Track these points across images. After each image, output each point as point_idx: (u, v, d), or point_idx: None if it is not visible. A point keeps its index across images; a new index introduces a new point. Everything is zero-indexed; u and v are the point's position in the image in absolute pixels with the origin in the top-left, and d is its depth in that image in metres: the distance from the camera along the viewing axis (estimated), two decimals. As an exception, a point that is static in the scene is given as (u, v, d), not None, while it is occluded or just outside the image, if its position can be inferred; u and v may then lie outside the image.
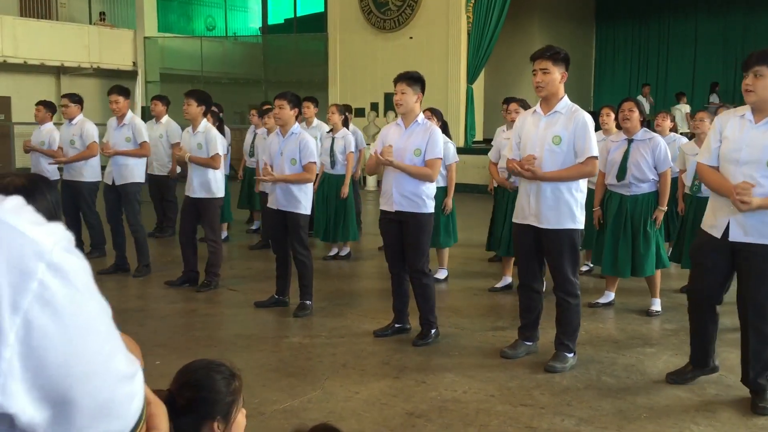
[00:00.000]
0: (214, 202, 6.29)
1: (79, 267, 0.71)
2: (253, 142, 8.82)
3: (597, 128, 5.68)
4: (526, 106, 6.13)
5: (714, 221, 3.77)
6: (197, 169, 6.22)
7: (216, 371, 1.82)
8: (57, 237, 0.70)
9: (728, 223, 3.68)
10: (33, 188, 1.68)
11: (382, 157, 4.72)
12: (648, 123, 5.58)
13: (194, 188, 6.25)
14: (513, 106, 6.36)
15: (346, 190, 7.48)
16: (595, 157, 4.22)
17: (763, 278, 3.65)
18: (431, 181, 4.84)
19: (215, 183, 6.27)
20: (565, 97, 4.32)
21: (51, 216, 1.67)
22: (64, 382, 0.68)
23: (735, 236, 3.67)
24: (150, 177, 8.83)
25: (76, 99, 7.31)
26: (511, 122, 6.32)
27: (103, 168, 7.21)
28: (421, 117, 4.84)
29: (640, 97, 15.42)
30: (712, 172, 3.79)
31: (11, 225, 0.68)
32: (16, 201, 0.70)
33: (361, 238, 8.47)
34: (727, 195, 3.64)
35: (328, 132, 7.68)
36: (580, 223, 4.32)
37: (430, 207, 4.83)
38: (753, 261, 3.65)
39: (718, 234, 3.73)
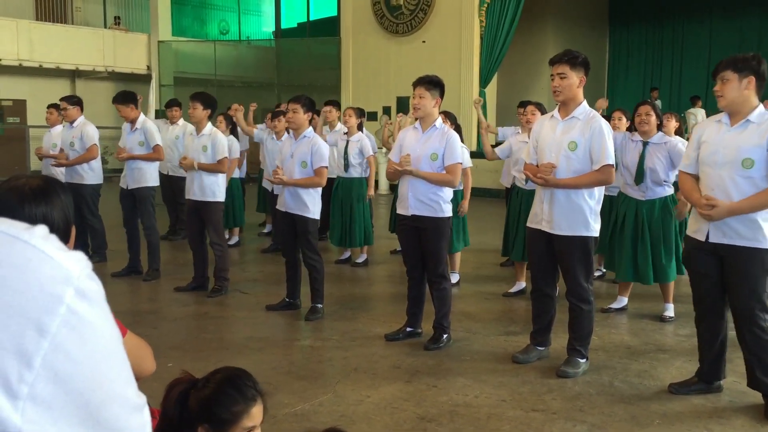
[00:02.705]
0: (216, 205, 6.26)
1: (101, 294, 0.72)
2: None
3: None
4: (543, 110, 6.10)
5: (696, 225, 3.84)
6: (198, 172, 6.22)
7: (233, 386, 1.82)
8: (83, 264, 0.71)
9: (708, 225, 3.74)
10: (49, 190, 1.68)
11: (400, 167, 4.72)
12: (660, 126, 5.55)
13: (195, 191, 6.24)
14: (530, 108, 6.36)
15: (371, 192, 7.51)
16: (611, 165, 4.20)
17: (746, 279, 3.67)
18: (453, 186, 4.86)
19: (217, 186, 6.24)
20: (584, 103, 4.29)
21: (65, 218, 1.68)
22: (85, 408, 0.68)
23: (715, 238, 3.73)
24: (164, 178, 8.88)
25: (75, 101, 7.31)
26: (526, 124, 6.31)
27: (119, 172, 7.23)
28: (439, 121, 4.83)
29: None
30: (686, 181, 3.93)
31: (41, 249, 0.69)
32: (45, 229, 0.71)
33: (374, 242, 8.46)
34: (695, 205, 3.81)
35: (343, 134, 7.70)
36: (594, 231, 4.29)
37: (447, 211, 4.83)
38: (734, 262, 3.68)
39: (702, 237, 3.78)
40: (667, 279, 5.45)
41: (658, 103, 15.32)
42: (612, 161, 4.20)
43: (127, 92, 7.02)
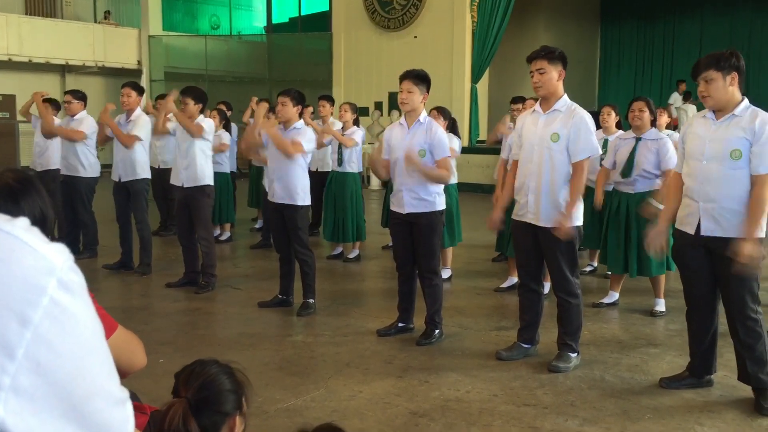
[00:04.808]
0: (205, 190, 6.20)
1: (83, 286, 0.72)
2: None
3: (597, 127, 5.67)
4: None
5: (685, 217, 3.85)
6: (184, 158, 6.17)
7: (221, 370, 1.82)
8: (65, 256, 0.71)
9: (699, 218, 3.75)
10: (26, 184, 1.67)
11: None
12: (654, 122, 5.56)
13: (182, 178, 6.20)
14: (529, 102, 6.38)
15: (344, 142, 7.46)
16: (587, 158, 4.24)
17: (741, 274, 3.66)
18: (447, 181, 4.88)
19: (203, 172, 6.17)
20: (565, 96, 4.31)
21: (42, 212, 1.66)
22: (68, 401, 0.68)
23: (706, 230, 3.73)
24: (155, 172, 8.83)
25: (80, 96, 7.30)
26: None
27: (109, 167, 7.19)
28: (423, 116, 4.82)
29: (675, 94, 15.25)
30: (672, 185, 4.07)
31: (24, 240, 0.68)
32: (26, 221, 0.71)
33: (366, 238, 8.46)
34: (661, 216, 4.09)
35: (339, 129, 7.70)
36: (578, 220, 4.31)
37: (440, 204, 4.83)
38: (726, 254, 3.67)
39: (692, 230, 3.79)
40: (651, 273, 5.47)
41: (677, 97, 15.14)
42: (594, 152, 4.25)
43: (139, 84, 7.10)
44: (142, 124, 6.84)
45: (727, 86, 3.66)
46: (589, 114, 4.34)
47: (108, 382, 0.73)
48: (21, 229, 0.69)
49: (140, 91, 6.95)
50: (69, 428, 0.68)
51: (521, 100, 7.01)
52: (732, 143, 3.64)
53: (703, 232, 3.74)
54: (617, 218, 5.55)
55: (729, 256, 3.65)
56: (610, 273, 5.93)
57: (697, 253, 3.82)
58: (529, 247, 4.43)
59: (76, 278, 0.71)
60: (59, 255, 0.70)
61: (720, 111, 3.74)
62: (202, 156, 6.18)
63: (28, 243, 0.68)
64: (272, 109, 7.28)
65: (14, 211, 1.59)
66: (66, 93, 7.42)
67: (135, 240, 6.96)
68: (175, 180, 6.27)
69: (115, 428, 0.73)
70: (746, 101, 3.72)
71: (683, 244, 3.89)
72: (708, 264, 3.81)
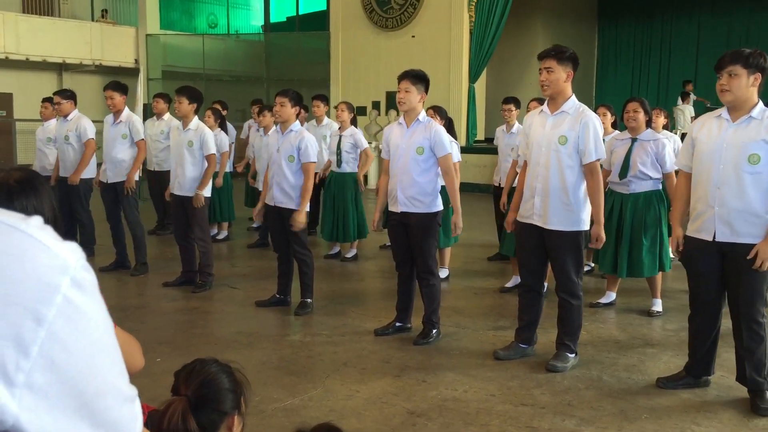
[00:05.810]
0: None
1: (95, 284, 0.72)
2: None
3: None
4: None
5: (700, 224, 3.80)
6: (182, 166, 6.18)
7: (221, 369, 1.82)
8: (78, 254, 0.71)
9: (715, 224, 3.72)
10: (35, 181, 1.68)
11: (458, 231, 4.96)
12: (650, 122, 5.55)
13: (179, 185, 6.21)
14: (533, 104, 6.40)
15: (362, 185, 7.59)
16: (597, 159, 4.23)
17: (753, 277, 3.66)
18: (453, 177, 4.88)
19: (197, 182, 6.19)
20: (573, 97, 4.30)
21: (53, 209, 1.67)
22: (80, 398, 0.68)
23: (722, 237, 3.70)
24: (150, 173, 8.83)
25: (68, 95, 7.25)
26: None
27: (99, 165, 7.19)
28: (422, 115, 4.84)
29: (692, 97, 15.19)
30: (681, 182, 4.00)
31: (38, 239, 0.69)
32: (40, 219, 0.71)
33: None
34: (673, 217, 4.11)
35: (336, 129, 7.71)
36: (585, 224, 4.31)
37: (436, 205, 4.83)
38: (740, 258, 3.66)
39: (708, 237, 3.75)
40: (642, 274, 5.47)
41: (693, 96, 15.10)
42: (601, 155, 4.23)
43: (121, 82, 6.99)
44: (138, 126, 6.84)
45: (749, 85, 3.62)
46: (597, 116, 4.33)
47: (118, 380, 0.74)
48: (35, 227, 0.70)
49: (123, 90, 6.84)
50: (81, 425, 0.68)
51: (513, 100, 7.02)
52: (750, 147, 3.60)
53: (719, 238, 3.71)
54: (610, 219, 5.54)
55: (743, 260, 3.63)
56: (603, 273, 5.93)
57: (711, 257, 3.78)
58: (533, 248, 4.42)
59: (89, 277, 0.71)
60: (72, 253, 0.70)
61: (735, 111, 3.69)
62: (194, 168, 6.17)
63: (42, 241, 0.69)
64: (269, 108, 7.29)
65: (30, 208, 1.60)
66: (54, 94, 7.35)
67: (128, 238, 6.95)
68: (173, 189, 6.29)
69: (124, 425, 0.74)
70: (761, 103, 3.68)
71: (695, 248, 3.85)
72: (719, 268, 3.78)
